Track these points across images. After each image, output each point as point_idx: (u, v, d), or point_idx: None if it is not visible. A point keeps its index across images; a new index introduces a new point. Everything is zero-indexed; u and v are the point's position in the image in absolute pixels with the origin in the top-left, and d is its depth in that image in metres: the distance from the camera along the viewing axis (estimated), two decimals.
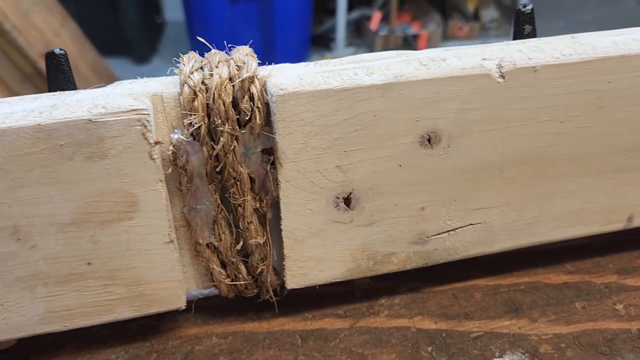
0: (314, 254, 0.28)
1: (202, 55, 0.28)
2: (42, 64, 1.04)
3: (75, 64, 1.25)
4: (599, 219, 0.32)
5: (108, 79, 1.49)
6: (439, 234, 0.30)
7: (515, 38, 0.33)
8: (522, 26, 0.33)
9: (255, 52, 0.27)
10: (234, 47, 0.27)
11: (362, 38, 2.19)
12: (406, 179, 0.28)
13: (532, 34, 0.33)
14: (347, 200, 0.28)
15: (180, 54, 0.27)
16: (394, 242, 0.29)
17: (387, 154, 0.27)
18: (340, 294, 0.33)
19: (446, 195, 0.29)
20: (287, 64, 0.28)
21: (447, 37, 2.18)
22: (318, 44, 2.18)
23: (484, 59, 0.27)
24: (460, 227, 0.30)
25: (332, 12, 2.10)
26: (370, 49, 2.12)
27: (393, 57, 0.28)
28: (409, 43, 2.09)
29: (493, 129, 0.28)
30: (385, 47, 2.09)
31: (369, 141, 0.26)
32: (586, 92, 0.28)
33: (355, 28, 2.22)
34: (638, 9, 2.33)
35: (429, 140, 0.27)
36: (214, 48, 0.28)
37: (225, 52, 0.27)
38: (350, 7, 2.17)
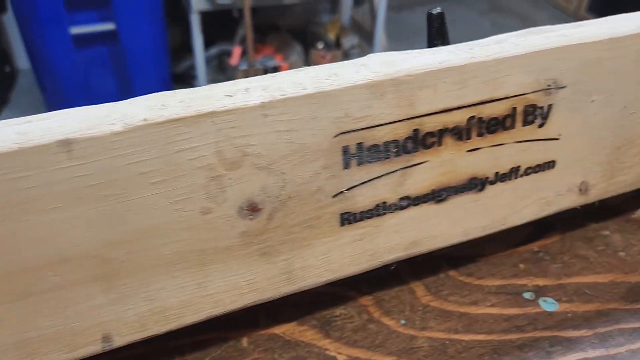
0: None
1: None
2: None
3: None
4: (49, 348, 0.25)
5: None
6: None
7: None
8: None
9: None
10: None
11: (224, 73, 2.14)
12: None
13: None
14: None
15: None
16: None
17: None
18: None
19: None
20: None
21: (311, 66, 2.17)
22: (181, 82, 2.11)
23: None
24: None
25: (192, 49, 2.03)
26: None
27: None
28: None
29: None
30: None
31: None
32: None
33: (218, 64, 2.17)
34: (493, 29, 2.43)
35: None
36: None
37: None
38: (212, 42, 2.12)
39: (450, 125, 0.29)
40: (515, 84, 0.30)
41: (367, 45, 2.21)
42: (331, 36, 2.23)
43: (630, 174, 0.38)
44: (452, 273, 0.35)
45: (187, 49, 2.09)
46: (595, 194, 0.37)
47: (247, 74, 2.09)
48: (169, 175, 0.24)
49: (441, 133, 0.29)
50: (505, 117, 0.31)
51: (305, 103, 0.26)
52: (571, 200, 0.36)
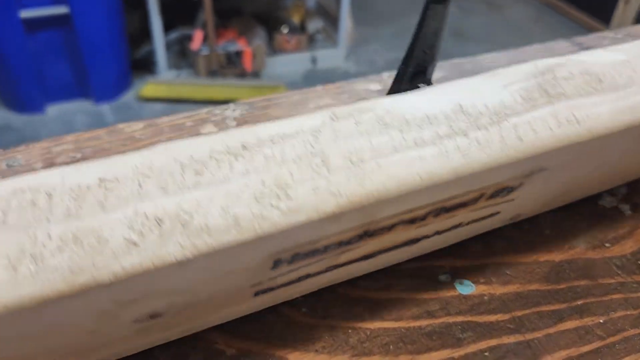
0: None
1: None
2: None
3: None
4: None
5: None
6: None
7: None
8: None
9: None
10: None
11: (186, 59, 2.05)
12: None
13: None
14: None
15: None
16: None
17: None
18: None
19: None
20: None
21: (275, 51, 2.09)
22: (141, 68, 2.01)
23: None
24: None
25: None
26: (194, 69, 1.99)
27: None
28: (232, 60, 1.99)
29: None
30: (209, 67, 1.97)
31: None
32: None
33: (179, 49, 2.08)
34: (459, 12, 2.38)
35: None
36: None
37: None
38: (172, 26, 2.03)
39: (407, 219, 0.25)
40: (496, 179, 0.25)
41: (332, 29, 2.14)
42: (295, 20, 2.15)
43: (565, 200, 0.34)
44: None
45: (146, 34, 1.99)
46: (524, 217, 0.33)
47: (209, 60, 2.00)
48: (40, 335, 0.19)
49: (393, 225, 0.25)
50: (471, 200, 0.27)
51: (239, 247, 0.20)
52: (499, 225, 0.32)
